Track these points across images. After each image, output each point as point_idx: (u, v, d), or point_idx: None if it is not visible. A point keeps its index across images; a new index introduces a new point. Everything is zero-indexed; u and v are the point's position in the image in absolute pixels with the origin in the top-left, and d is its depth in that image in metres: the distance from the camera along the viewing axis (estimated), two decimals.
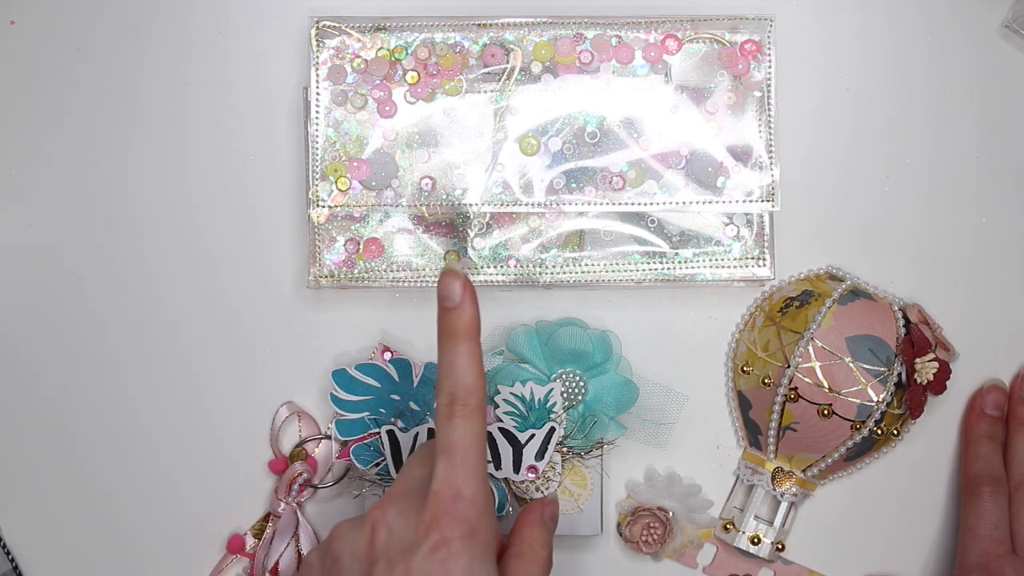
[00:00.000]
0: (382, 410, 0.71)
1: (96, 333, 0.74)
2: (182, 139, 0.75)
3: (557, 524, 0.66)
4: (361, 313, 0.74)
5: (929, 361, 0.69)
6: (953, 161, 0.75)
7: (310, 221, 0.72)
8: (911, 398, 0.70)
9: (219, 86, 0.75)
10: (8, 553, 0.74)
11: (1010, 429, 0.73)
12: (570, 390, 0.71)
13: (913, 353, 0.70)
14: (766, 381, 0.71)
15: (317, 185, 0.71)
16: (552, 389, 0.71)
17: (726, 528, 0.73)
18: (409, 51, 0.71)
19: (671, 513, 0.73)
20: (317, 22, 0.71)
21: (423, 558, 0.56)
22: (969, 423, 0.74)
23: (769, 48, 0.72)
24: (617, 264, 0.72)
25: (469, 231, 0.72)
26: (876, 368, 0.70)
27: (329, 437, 0.74)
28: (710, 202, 0.71)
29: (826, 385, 0.70)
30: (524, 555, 0.62)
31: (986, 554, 0.70)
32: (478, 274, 0.72)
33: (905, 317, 0.71)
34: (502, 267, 0.72)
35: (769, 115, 0.72)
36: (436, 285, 0.60)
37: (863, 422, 0.70)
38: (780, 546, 0.73)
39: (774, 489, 0.73)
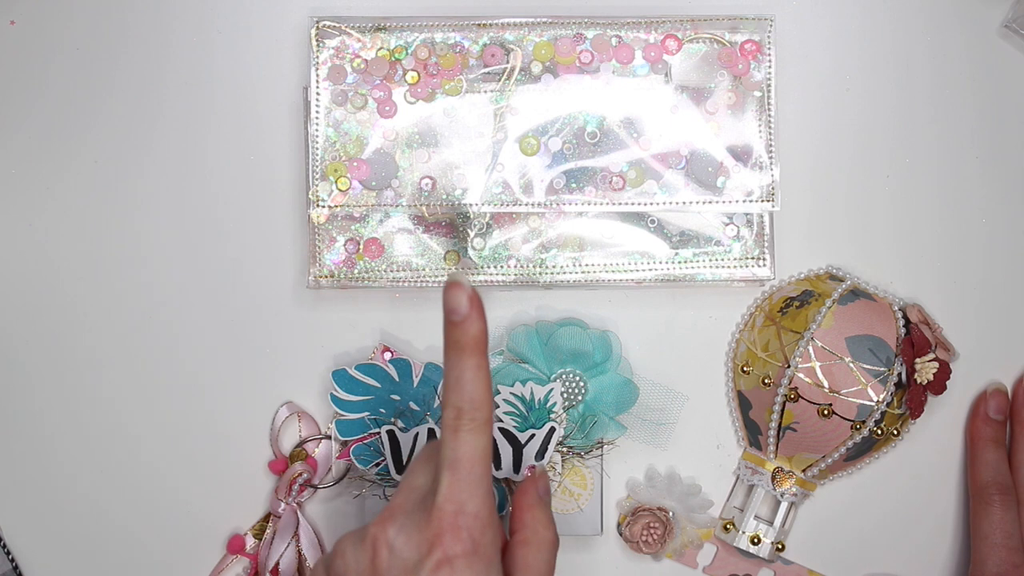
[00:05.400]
0: (382, 410, 0.71)
1: (96, 333, 0.74)
2: (182, 139, 0.75)
3: (551, 496, 0.64)
4: (361, 313, 0.74)
5: (929, 361, 0.69)
6: (953, 161, 0.75)
7: (310, 221, 0.72)
8: (911, 398, 0.70)
9: (219, 86, 0.75)
10: (8, 553, 0.74)
11: (1014, 434, 0.73)
12: (570, 390, 0.71)
13: (913, 353, 0.70)
14: (766, 381, 0.71)
15: (317, 185, 0.71)
16: (552, 389, 0.71)
17: (726, 528, 0.73)
18: (409, 51, 0.71)
19: (671, 513, 0.73)
20: (317, 22, 0.71)
21: None
22: (973, 428, 0.74)
23: (769, 48, 0.72)
24: (617, 264, 0.72)
25: (469, 231, 0.72)
26: (876, 368, 0.70)
27: (329, 437, 0.74)
28: (710, 202, 0.71)
29: (826, 385, 0.70)
30: (530, 541, 0.60)
31: (1004, 563, 0.69)
32: (478, 274, 0.72)
33: (905, 317, 0.71)
34: (502, 267, 0.72)
35: (769, 115, 0.72)
36: (442, 292, 0.58)
37: (863, 422, 0.70)
38: (780, 546, 0.73)
39: (774, 489, 0.73)
